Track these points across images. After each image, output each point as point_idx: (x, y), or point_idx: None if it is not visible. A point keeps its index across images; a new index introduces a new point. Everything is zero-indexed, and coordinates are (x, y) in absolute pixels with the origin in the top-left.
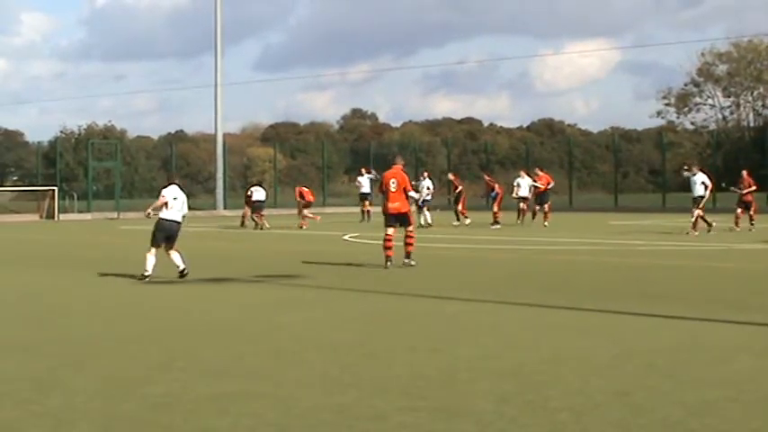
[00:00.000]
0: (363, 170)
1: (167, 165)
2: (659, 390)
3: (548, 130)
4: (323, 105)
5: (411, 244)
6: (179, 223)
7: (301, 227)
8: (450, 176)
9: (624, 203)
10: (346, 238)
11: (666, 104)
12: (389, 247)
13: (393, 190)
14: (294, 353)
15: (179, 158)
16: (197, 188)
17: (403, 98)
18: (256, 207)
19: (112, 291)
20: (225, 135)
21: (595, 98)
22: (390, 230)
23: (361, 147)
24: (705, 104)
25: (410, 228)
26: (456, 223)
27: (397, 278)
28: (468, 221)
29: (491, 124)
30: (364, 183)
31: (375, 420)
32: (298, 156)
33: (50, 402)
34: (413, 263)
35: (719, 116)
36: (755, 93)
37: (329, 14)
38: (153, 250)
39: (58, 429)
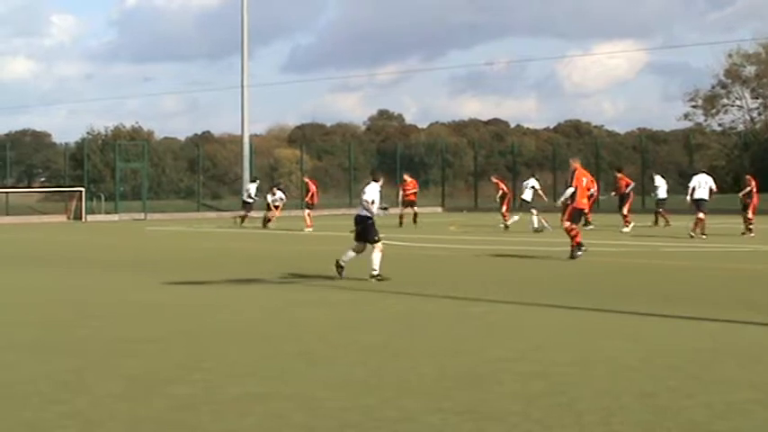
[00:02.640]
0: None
1: (194, 166)
2: (684, 391)
3: (574, 131)
4: (350, 107)
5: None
6: (360, 217)
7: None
8: (494, 179)
9: (651, 205)
10: None
11: (693, 106)
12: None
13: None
14: (320, 354)
15: (206, 160)
16: (223, 189)
17: (430, 99)
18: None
19: (139, 292)
20: (251, 136)
21: (623, 99)
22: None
23: (387, 148)
24: (733, 106)
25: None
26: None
27: (421, 279)
28: (512, 220)
29: (518, 125)
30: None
31: (402, 422)
32: (324, 157)
33: (77, 403)
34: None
35: (747, 117)
36: None
37: (357, 16)
38: (378, 245)
39: (85, 430)
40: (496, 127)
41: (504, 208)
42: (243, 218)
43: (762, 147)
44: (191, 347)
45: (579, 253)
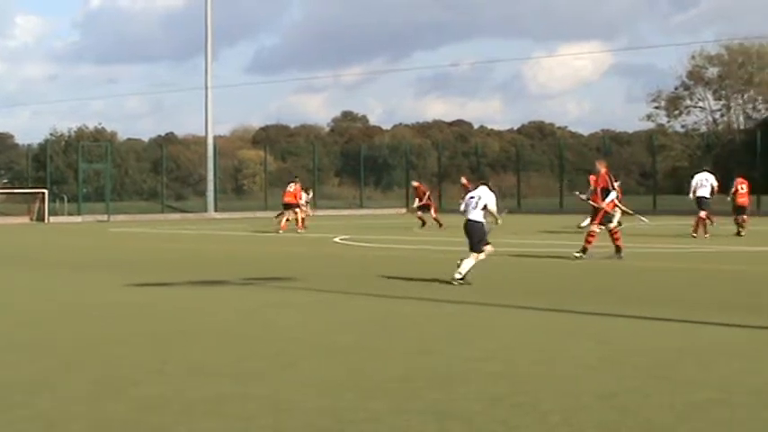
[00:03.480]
0: None
1: (158, 167)
2: (648, 392)
3: (538, 132)
4: (314, 108)
5: (617, 239)
6: (474, 222)
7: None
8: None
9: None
10: (337, 240)
11: (656, 108)
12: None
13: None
14: (290, 355)
15: (169, 161)
16: (187, 191)
17: (395, 101)
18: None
19: (103, 293)
20: (215, 137)
21: (587, 101)
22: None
23: (351, 149)
24: (696, 107)
25: (611, 225)
26: None
27: (390, 281)
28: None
29: (481, 127)
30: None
31: (368, 423)
32: (288, 158)
33: (40, 404)
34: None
35: (710, 119)
36: (746, 96)
37: (322, 17)
38: (479, 255)
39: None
40: (460, 128)
41: (432, 211)
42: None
43: (724, 148)
44: (158, 349)
45: (584, 256)
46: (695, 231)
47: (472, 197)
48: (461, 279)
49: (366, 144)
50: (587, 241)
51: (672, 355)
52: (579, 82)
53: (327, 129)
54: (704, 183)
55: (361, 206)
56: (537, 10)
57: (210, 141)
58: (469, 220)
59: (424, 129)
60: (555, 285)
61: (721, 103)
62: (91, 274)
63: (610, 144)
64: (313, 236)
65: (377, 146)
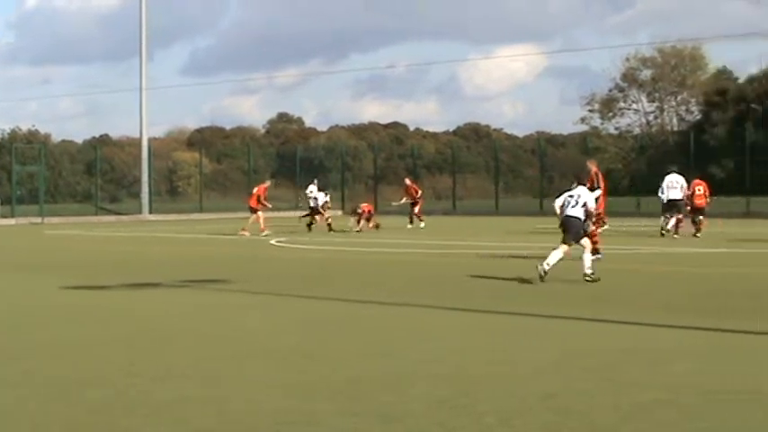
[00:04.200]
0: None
1: (92, 169)
2: (592, 393)
3: (474, 134)
4: (249, 110)
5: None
6: (573, 218)
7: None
8: (407, 182)
9: (550, 207)
10: (273, 242)
11: (590, 110)
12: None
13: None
14: (231, 358)
15: (103, 162)
16: (122, 193)
17: (331, 102)
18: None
19: (39, 296)
20: (150, 139)
21: (523, 103)
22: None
23: (287, 151)
24: (629, 109)
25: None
26: None
27: (329, 282)
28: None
29: (417, 129)
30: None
31: (308, 426)
32: (223, 160)
33: None
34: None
35: (644, 121)
36: (679, 98)
37: (258, 18)
38: (563, 246)
39: None
40: (396, 130)
41: (417, 210)
42: (311, 221)
43: (658, 150)
44: (90, 353)
45: (599, 257)
46: (676, 232)
47: (572, 195)
48: (591, 275)
49: (302, 146)
50: (594, 242)
51: (619, 357)
52: (514, 84)
53: (263, 130)
54: (674, 184)
55: (297, 208)
56: (473, 13)
57: (145, 143)
58: (568, 216)
59: (359, 130)
60: (498, 288)
61: (655, 105)
62: (27, 277)
63: (545, 146)
64: (249, 238)
65: (313, 147)
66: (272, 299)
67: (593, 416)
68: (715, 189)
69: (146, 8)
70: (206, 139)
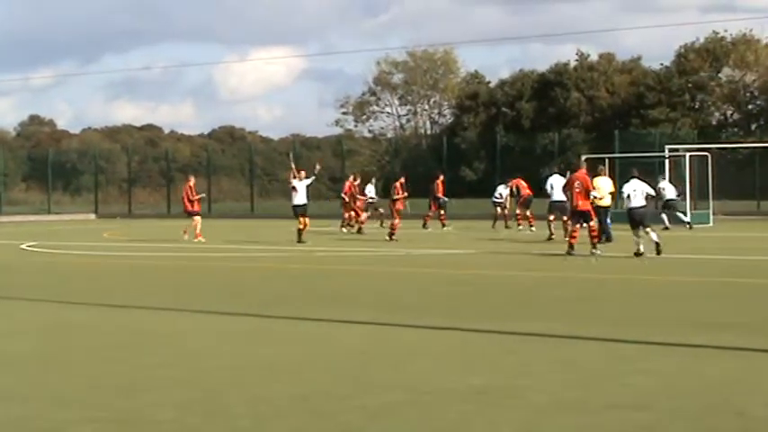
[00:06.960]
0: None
1: None
2: (340, 394)
3: (229, 137)
4: (2, 112)
5: (594, 236)
6: (638, 207)
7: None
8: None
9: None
10: (24, 246)
11: (344, 113)
12: (575, 238)
13: (578, 190)
14: None
15: None
16: None
17: (85, 105)
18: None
19: None
20: None
21: (279, 106)
22: (577, 225)
23: (39, 154)
24: (383, 112)
25: (591, 223)
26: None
27: (74, 287)
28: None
29: (172, 131)
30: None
31: None
32: None
33: None
34: (598, 252)
35: (397, 124)
36: (432, 101)
37: (10, 18)
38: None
39: None
40: (150, 133)
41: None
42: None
43: (411, 153)
44: None
45: (597, 252)
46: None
47: (635, 189)
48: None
49: (54, 149)
50: (573, 238)
51: (363, 357)
52: (271, 87)
53: (14, 133)
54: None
55: (49, 212)
56: (228, 15)
57: None
58: (632, 208)
59: (113, 133)
60: (242, 290)
61: (408, 108)
62: None
63: (300, 149)
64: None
65: (65, 150)
66: (10, 303)
67: (343, 417)
68: (466, 191)
69: None
70: None
